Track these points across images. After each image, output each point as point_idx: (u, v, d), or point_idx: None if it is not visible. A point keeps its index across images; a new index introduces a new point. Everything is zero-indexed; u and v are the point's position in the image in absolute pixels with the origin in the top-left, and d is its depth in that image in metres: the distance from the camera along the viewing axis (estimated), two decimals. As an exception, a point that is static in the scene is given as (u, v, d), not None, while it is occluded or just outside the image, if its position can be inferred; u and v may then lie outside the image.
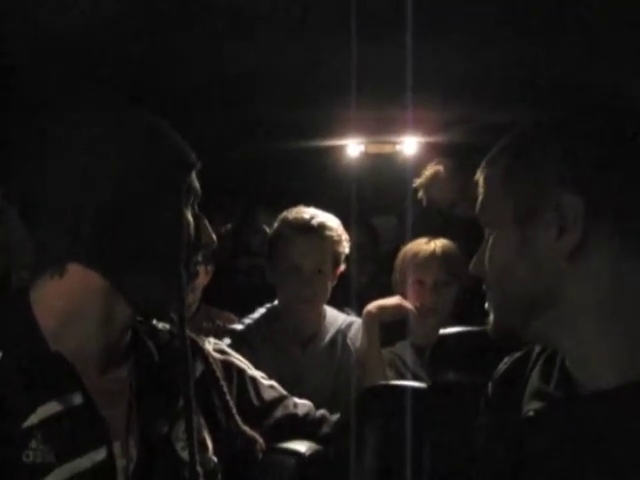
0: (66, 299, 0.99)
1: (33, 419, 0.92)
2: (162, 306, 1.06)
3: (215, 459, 1.11)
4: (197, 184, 1.07)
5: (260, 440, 1.22)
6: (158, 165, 1.00)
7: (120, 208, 0.97)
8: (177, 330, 1.07)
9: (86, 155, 0.96)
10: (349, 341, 2.00)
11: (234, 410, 1.19)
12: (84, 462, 0.94)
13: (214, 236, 1.09)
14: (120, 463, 0.98)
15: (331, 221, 1.96)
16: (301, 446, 1.34)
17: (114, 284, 0.99)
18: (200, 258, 1.08)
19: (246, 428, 1.20)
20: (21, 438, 0.91)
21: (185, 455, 1.04)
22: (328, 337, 1.99)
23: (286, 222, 1.96)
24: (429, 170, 2.54)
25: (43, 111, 1.00)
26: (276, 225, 2.00)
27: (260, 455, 1.22)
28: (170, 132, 1.04)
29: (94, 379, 0.99)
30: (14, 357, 0.94)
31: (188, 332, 1.10)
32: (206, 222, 1.08)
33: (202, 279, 2.41)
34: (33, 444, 0.91)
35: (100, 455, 0.95)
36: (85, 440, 0.95)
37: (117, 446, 0.98)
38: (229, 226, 3.12)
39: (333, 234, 1.93)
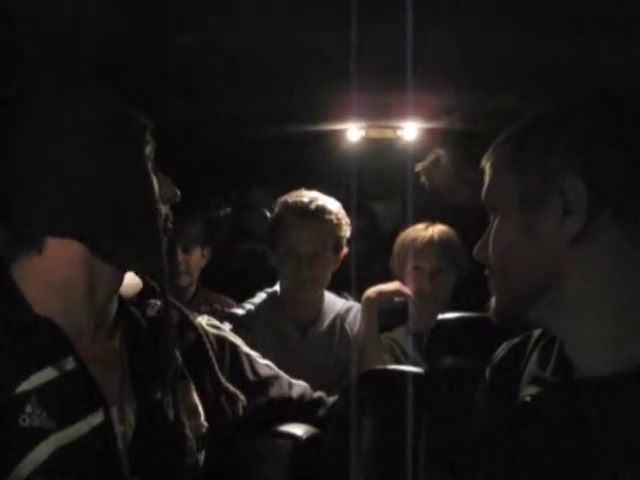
0: (48, 272, 1.00)
1: (26, 384, 0.93)
2: (143, 262, 1.09)
3: (206, 424, 1.13)
4: (152, 143, 1.09)
5: (242, 397, 1.23)
6: (117, 133, 1.02)
7: (88, 177, 0.98)
8: (159, 288, 1.11)
9: (49, 136, 0.98)
10: (347, 326, 2.00)
11: (218, 372, 1.21)
12: (81, 427, 0.95)
13: (176, 189, 1.12)
14: (118, 429, 1.00)
15: (331, 204, 1.95)
16: (298, 429, 1.34)
17: (93, 250, 1.01)
18: (167, 209, 1.10)
19: (229, 385, 1.22)
20: (16, 403, 0.92)
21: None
22: (327, 322, 2.00)
23: (286, 206, 1.95)
24: (430, 156, 2.54)
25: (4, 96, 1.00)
26: (276, 209, 2.00)
27: (241, 412, 1.23)
28: (121, 103, 1.06)
29: (85, 347, 1.01)
30: (2, 325, 0.95)
31: (178, 303, 1.16)
32: (164, 176, 1.11)
33: (199, 262, 2.41)
34: (28, 408, 0.92)
35: (97, 419, 0.97)
36: (81, 404, 0.97)
37: (114, 412, 1.00)
38: (228, 210, 3.12)
39: (332, 218, 1.92)
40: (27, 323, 0.97)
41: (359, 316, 2.02)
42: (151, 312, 1.16)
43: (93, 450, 0.96)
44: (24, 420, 0.91)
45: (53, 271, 1.00)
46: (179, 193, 1.12)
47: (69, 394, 0.96)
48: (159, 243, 1.07)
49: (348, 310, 2.05)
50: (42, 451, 0.91)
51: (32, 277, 1.00)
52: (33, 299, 0.99)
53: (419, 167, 2.55)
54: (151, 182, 1.06)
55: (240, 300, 2.13)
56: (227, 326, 1.73)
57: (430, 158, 2.54)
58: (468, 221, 1.92)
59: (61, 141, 0.98)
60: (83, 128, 1.00)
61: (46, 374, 0.95)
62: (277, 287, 2.05)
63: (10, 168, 0.97)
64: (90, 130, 1.00)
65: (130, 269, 1.10)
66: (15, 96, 1.00)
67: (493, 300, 0.96)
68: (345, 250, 2.00)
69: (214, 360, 1.21)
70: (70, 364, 0.97)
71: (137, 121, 1.07)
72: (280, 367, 1.41)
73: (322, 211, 1.91)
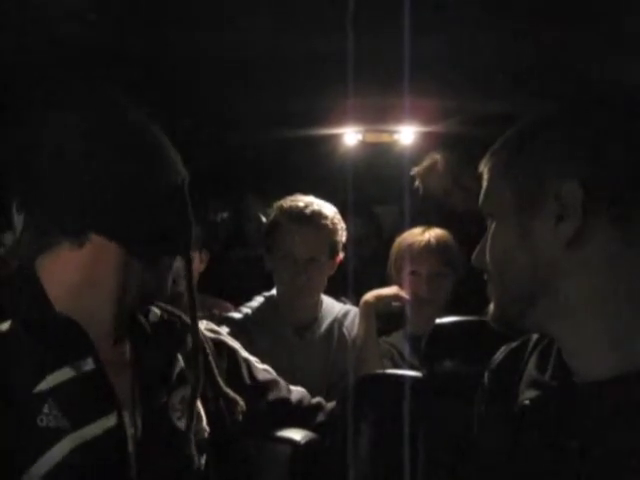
0: (81, 270, 1.00)
1: (44, 385, 0.93)
2: (158, 288, 1.10)
3: (207, 429, 1.14)
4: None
5: (241, 402, 1.23)
6: (161, 174, 1.04)
7: (142, 189, 1.01)
8: (189, 309, 1.12)
9: (101, 135, 1.00)
10: (345, 330, 2.00)
11: (218, 377, 1.22)
12: (95, 429, 0.96)
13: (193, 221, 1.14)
14: (129, 432, 1.00)
15: (326, 209, 1.94)
16: (297, 434, 1.34)
17: (133, 256, 1.02)
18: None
19: (228, 390, 1.22)
20: (34, 403, 0.92)
21: (180, 425, 1.08)
22: (325, 325, 1.99)
23: (281, 210, 1.95)
24: (427, 160, 2.54)
25: (53, 90, 1.01)
26: (272, 213, 2.00)
27: (240, 417, 1.23)
28: (167, 143, 1.08)
29: (104, 350, 1.02)
30: (25, 323, 0.95)
31: (177, 310, 1.17)
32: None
33: (197, 266, 2.40)
34: (46, 409, 0.92)
35: (110, 422, 0.97)
36: (96, 406, 0.97)
37: (125, 415, 1.01)
38: (225, 214, 3.12)
39: (328, 223, 1.92)
40: (49, 321, 0.97)
41: (357, 320, 2.02)
42: (154, 318, 1.16)
43: (105, 452, 0.96)
44: (42, 420, 0.92)
45: (88, 269, 1.00)
46: (198, 227, 1.14)
47: (85, 395, 0.96)
48: (190, 269, 1.10)
49: (346, 314, 2.05)
50: (57, 451, 0.92)
51: (61, 275, 1.00)
52: (58, 296, 0.99)
53: (414, 171, 2.55)
54: (189, 214, 1.09)
55: (237, 304, 2.12)
56: (225, 330, 1.73)
57: (426, 163, 2.54)
58: (466, 224, 1.92)
59: (125, 155, 1.00)
60: (128, 169, 1.01)
61: (63, 373, 0.95)
62: (274, 291, 2.05)
63: (68, 162, 0.98)
64: (132, 171, 1.01)
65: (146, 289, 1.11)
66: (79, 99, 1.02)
67: (491, 306, 0.96)
68: (341, 255, 2.00)
69: (214, 365, 1.22)
70: (89, 365, 0.97)
71: (180, 173, 1.08)
72: (278, 371, 1.41)
73: (318, 216, 1.91)
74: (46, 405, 0.92)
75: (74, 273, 1.00)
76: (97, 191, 0.98)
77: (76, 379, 0.96)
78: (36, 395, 0.92)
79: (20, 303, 0.98)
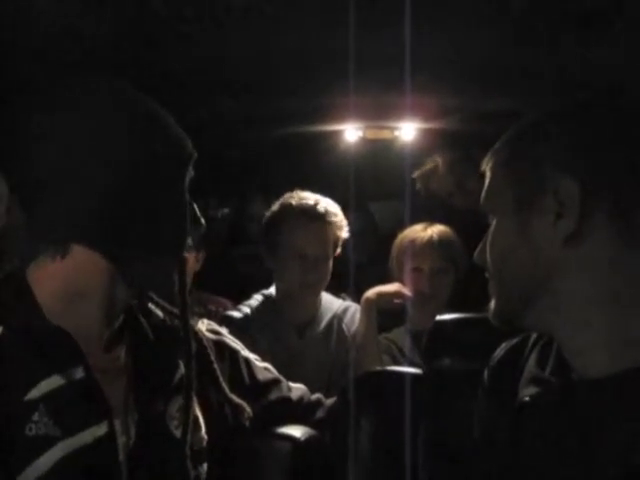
0: (67, 280, 0.98)
1: (35, 392, 0.92)
2: (163, 288, 1.09)
3: (206, 437, 1.12)
4: (192, 171, 1.09)
5: (247, 409, 1.22)
6: (160, 154, 1.01)
7: (123, 194, 0.97)
8: (179, 311, 1.10)
9: (88, 140, 0.96)
10: (344, 326, 2.00)
11: (223, 383, 1.20)
12: (85, 437, 0.94)
13: (202, 220, 1.12)
14: (120, 440, 0.99)
15: (333, 206, 1.96)
16: (297, 431, 1.34)
17: (117, 267, 1.00)
18: (190, 242, 1.10)
19: (233, 396, 1.21)
20: (24, 411, 0.91)
21: (177, 433, 1.06)
22: (324, 322, 1.99)
23: (289, 208, 1.94)
24: (428, 163, 2.55)
25: (41, 95, 0.99)
26: (276, 210, 1.99)
27: (247, 423, 1.22)
28: (170, 121, 1.05)
29: (95, 357, 1.00)
30: (15, 331, 0.94)
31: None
32: (195, 206, 1.11)
33: (193, 265, 2.40)
34: (36, 417, 0.91)
35: (101, 430, 0.96)
36: (86, 415, 0.96)
37: (117, 423, 0.99)
38: (226, 210, 3.11)
39: (337, 220, 1.94)
40: (39, 330, 0.95)
41: (356, 316, 2.02)
42: (156, 321, 1.15)
43: (95, 461, 0.95)
44: (30, 429, 0.90)
45: (72, 279, 0.99)
46: (205, 226, 1.13)
47: (76, 403, 0.95)
48: (183, 273, 1.08)
49: (345, 310, 2.05)
50: (47, 459, 0.90)
51: (49, 283, 0.98)
52: (47, 304, 0.97)
53: (416, 174, 2.56)
54: (186, 213, 1.06)
55: (236, 302, 2.12)
56: (226, 331, 1.73)
57: (428, 166, 2.54)
58: (467, 221, 1.92)
59: (109, 154, 0.97)
60: (124, 144, 0.98)
61: (54, 381, 0.94)
62: (272, 289, 2.04)
63: (50, 169, 0.95)
64: (130, 147, 0.98)
65: (148, 291, 1.11)
66: (68, 102, 0.98)
67: (492, 302, 0.96)
68: (338, 250, 2.00)
69: (218, 372, 1.20)
70: (79, 374, 0.96)
71: (186, 148, 1.06)
72: (278, 369, 1.40)
73: (328, 214, 1.92)
74: (37, 413, 0.91)
75: (60, 282, 0.98)
76: (79, 203, 0.96)
77: (67, 387, 0.94)
78: (27, 403, 0.91)
79: (11, 310, 0.96)
